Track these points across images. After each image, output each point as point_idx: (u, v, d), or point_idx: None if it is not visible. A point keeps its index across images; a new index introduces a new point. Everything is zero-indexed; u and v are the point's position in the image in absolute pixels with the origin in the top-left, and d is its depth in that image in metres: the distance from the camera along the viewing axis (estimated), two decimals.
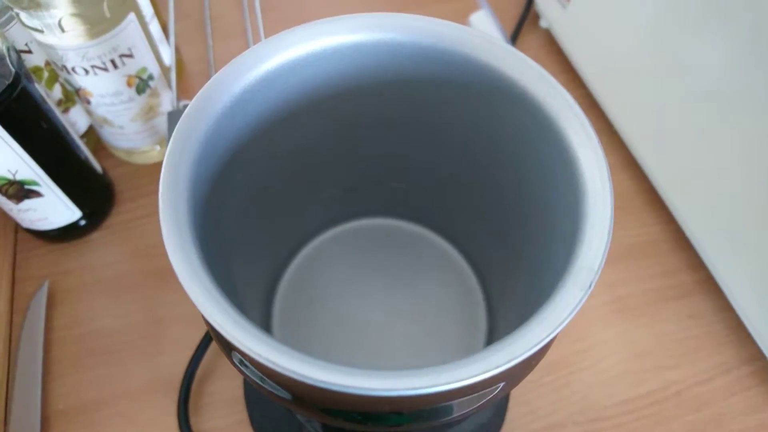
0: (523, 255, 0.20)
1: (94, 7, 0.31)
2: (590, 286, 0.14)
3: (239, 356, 0.15)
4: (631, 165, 0.43)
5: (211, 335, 0.18)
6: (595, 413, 0.35)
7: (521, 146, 0.19)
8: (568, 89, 0.19)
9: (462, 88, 0.19)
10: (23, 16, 0.32)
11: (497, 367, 0.14)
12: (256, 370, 0.15)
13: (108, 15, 0.32)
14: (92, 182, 0.39)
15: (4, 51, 0.30)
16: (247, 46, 0.48)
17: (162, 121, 0.40)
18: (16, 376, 0.35)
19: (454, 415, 0.17)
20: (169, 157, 0.16)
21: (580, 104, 0.19)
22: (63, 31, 0.32)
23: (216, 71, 0.43)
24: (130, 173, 0.43)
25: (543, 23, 0.51)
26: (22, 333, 0.36)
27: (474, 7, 0.53)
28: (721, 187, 0.35)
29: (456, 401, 0.15)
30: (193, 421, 0.33)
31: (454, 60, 0.18)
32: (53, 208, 0.36)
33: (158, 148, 0.42)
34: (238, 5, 0.54)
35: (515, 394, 0.35)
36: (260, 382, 0.16)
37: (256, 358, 0.13)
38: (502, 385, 0.17)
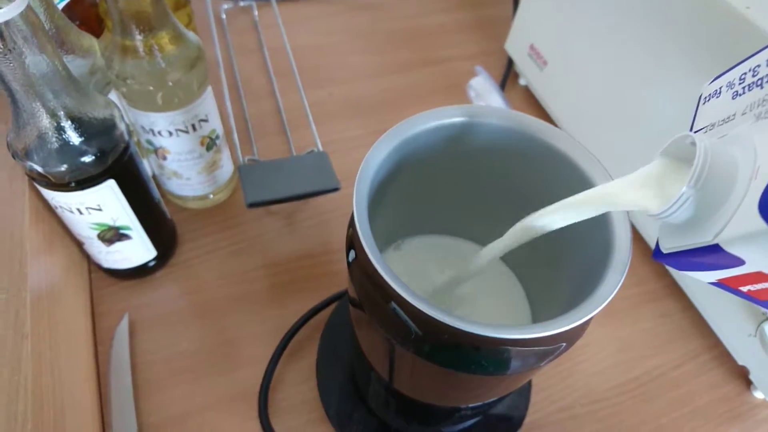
0: (565, 267, 0.29)
1: (187, 85, 0.39)
2: (624, 271, 0.23)
3: (395, 305, 0.23)
4: None
5: (365, 296, 0.25)
6: (595, 396, 0.43)
7: (562, 190, 0.28)
8: None
9: (521, 154, 0.28)
10: (125, 90, 0.38)
11: (572, 323, 0.22)
12: (403, 313, 0.23)
13: (196, 90, 0.40)
14: (164, 226, 0.45)
15: (117, 120, 0.37)
16: (276, 106, 0.56)
17: (221, 173, 0.47)
18: (111, 397, 0.40)
19: (527, 366, 0.24)
20: (361, 171, 0.24)
21: None
22: (160, 103, 0.39)
23: (252, 127, 0.51)
24: (188, 218, 0.49)
25: (522, 81, 0.62)
26: (111, 359, 0.41)
27: (471, 70, 0.63)
28: None
29: (537, 348, 0.23)
30: (272, 423, 0.40)
31: (520, 135, 0.27)
32: (137, 249, 0.42)
33: (212, 196, 0.49)
34: (263, 70, 0.62)
35: (536, 383, 0.42)
36: (404, 320, 0.23)
37: (415, 304, 0.21)
38: (563, 345, 0.25)
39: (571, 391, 0.43)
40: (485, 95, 0.53)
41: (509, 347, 0.22)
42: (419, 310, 0.22)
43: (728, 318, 0.43)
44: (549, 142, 0.27)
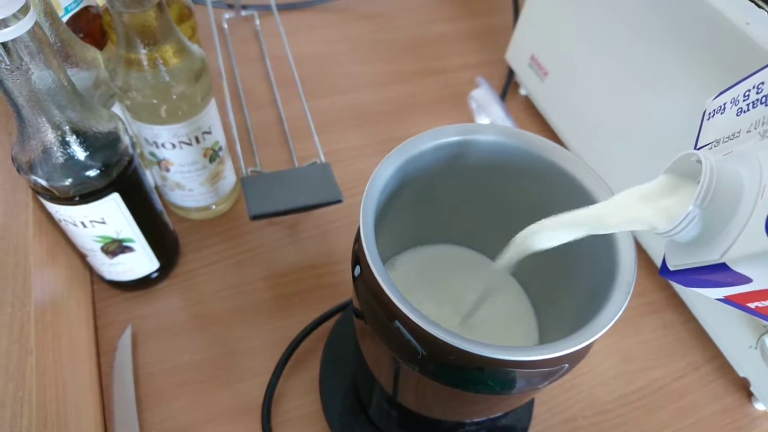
0: (573, 282, 0.29)
1: (191, 98, 0.39)
2: (629, 292, 0.23)
3: (399, 324, 0.23)
4: None
5: (370, 312, 0.25)
6: (598, 407, 0.43)
7: (565, 206, 0.28)
8: None
9: (525, 171, 0.28)
10: (129, 103, 0.39)
11: (577, 345, 0.22)
12: (407, 333, 0.23)
13: (199, 102, 0.40)
14: (167, 237, 0.45)
15: (122, 133, 0.37)
16: (278, 115, 0.56)
17: (224, 184, 0.47)
18: (114, 409, 0.40)
19: (531, 386, 0.24)
20: (367, 190, 0.24)
21: None
22: (164, 116, 0.39)
23: (254, 138, 0.51)
24: (190, 228, 0.49)
25: (522, 91, 0.62)
26: (114, 371, 0.41)
27: (472, 79, 0.63)
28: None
29: (541, 369, 0.23)
30: None
31: (521, 153, 0.28)
32: (140, 261, 0.42)
33: (214, 207, 0.49)
34: (265, 79, 0.62)
35: (538, 395, 0.43)
36: (408, 340, 0.23)
37: (419, 324, 0.21)
38: (566, 366, 0.25)
39: (574, 402, 0.43)
40: (486, 106, 0.53)
41: (514, 369, 0.22)
42: (423, 329, 0.22)
43: (729, 330, 0.44)
44: (551, 159, 0.27)
